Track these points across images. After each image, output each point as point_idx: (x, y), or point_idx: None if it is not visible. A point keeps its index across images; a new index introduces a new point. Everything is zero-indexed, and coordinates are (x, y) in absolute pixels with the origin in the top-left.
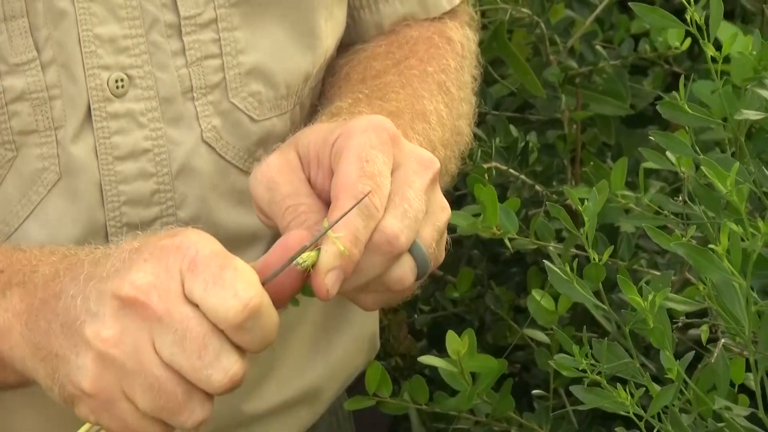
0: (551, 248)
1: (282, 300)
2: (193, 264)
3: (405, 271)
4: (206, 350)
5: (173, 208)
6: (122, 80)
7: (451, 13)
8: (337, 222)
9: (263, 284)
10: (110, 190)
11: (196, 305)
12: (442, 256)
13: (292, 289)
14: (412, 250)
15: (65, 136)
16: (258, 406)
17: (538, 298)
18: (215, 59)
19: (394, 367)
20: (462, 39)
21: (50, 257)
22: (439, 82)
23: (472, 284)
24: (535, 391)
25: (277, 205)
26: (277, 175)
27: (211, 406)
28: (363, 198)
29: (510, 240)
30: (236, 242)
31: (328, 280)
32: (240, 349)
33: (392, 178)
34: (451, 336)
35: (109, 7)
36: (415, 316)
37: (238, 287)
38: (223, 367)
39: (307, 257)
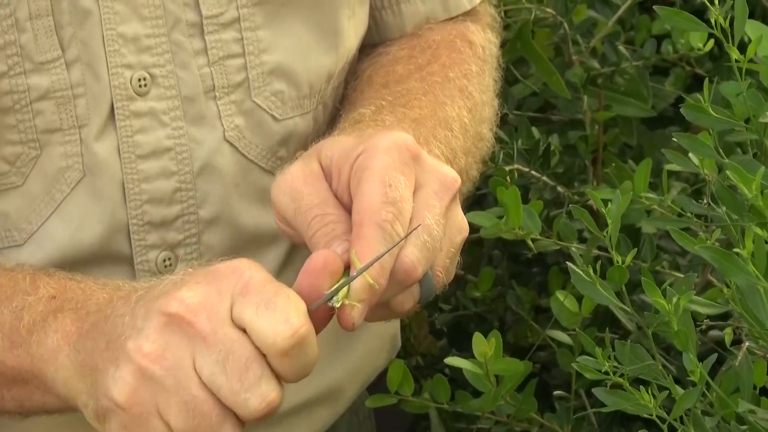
0: (573, 249)
1: (316, 330)
2: (246, 288)
3: (407, 298)
4: (247, 374)
5: (195, 207)
6: (145, 79)
7: (473, 16)
8: (369, 263)
9: None
10: (133, 188)
11: (242, 330)
12: (451, 278)
13: (324, 322)
14: (421, 279)
15: (89, 135)
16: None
17: (562, 299)
18: (238, 58)
19: (415, 366)
20: (484, 42)
21: (104, 288)
22: (461, 87)
23: (493, 284)
24: (556, 392)
25: (303, 216)
26: (302, 185)
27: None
28: (397, 243)
29: (533, 241)
30: (257, 242)
31: (355, 313)
32: (278, 378)
33: (413, 199)
34: (477, 338)
35: (132, 6)
36: (436, 315)
37: (290, 313)
38: (262, 392)
39: (340, 294)
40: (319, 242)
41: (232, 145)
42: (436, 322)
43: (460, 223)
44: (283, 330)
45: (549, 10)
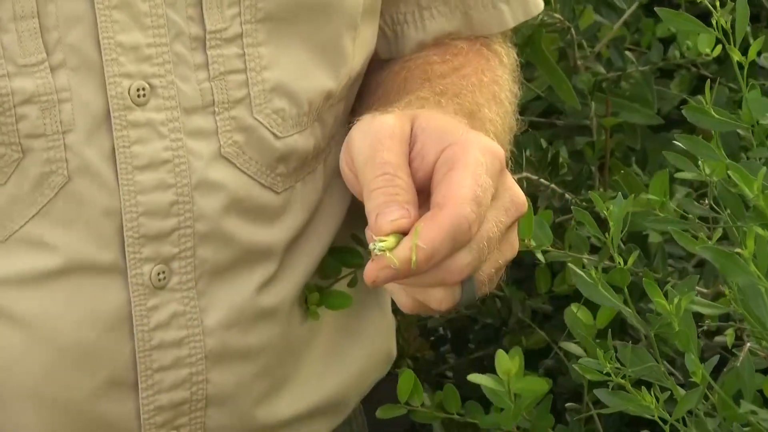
0: (585, 261)
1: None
2: None
3: (447, 296)
4: None
5: (191, 220)
6: (144, 89)
7: None
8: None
9: None
10: (129, 199)
11: None
12: (492, 287)
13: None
14: (464, 282)
15: (76, 141)
16: (271, 417)
17: (575, 311)
18: (239, 74)
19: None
20: (507, 52)
21: None
22: (494, 93)
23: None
24: (568, 404)
25: (374, 168)
26: (387, 138)
27: None
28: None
29: (543, 252)
30: (249, 257)
31: (381, 273)
32: None
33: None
34: (500, 355)
35: (133, 15)
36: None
37: None
38: None
39: (385, 243)
40: (378, 199)
41: (228, 160)
42: (428, 324)
43: (514, 242)
44: None
45: (557, 15)
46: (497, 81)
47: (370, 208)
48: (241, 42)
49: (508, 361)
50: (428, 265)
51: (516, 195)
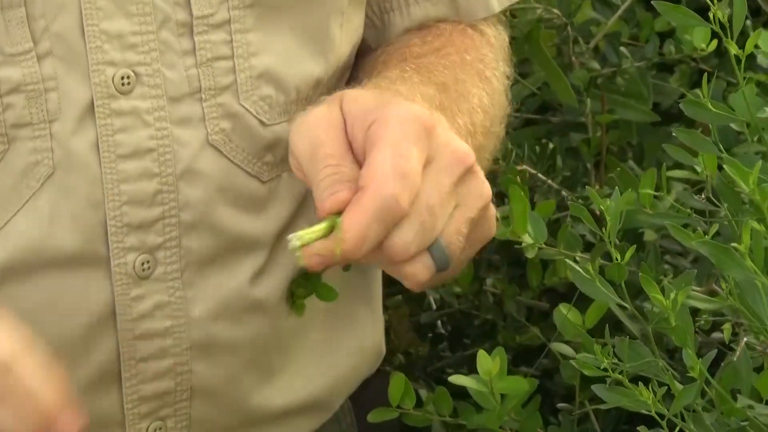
0: (578, 258)
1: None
2: None
3: (418, 269)
4: None
5: (176, 210)
6: (128, 77)
7: None
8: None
9: None
10: (112, 188)
11: None
12: (491, 233)
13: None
14: (431, 248)
15: (62, 130)
16: (258, 410)
17: (565, 312)
18: (226, 61)
19: (398, 365)
20: (495, 33)
21: None
22: (479, 70)
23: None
24: (560, 405)
25: (318, 163)
26: (322, 133)
27: None
28: None
29: (538, 249)
30: (237, 247)
31: (312, 261)
32: None
33: (423, 174)
34: (482, 356)
35: (118, 3)
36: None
37: None
38: None
39: (305, 234)
40: (325, 186)
41: (215, 148)
42: (422, 318)
43: (480, 189)
44: None
45: (555, 10)
46: (482, 60)
47: (316, 196)
48: (229, 28)
49: (489, 362)
50: (362, 251)
51: (455, 149)
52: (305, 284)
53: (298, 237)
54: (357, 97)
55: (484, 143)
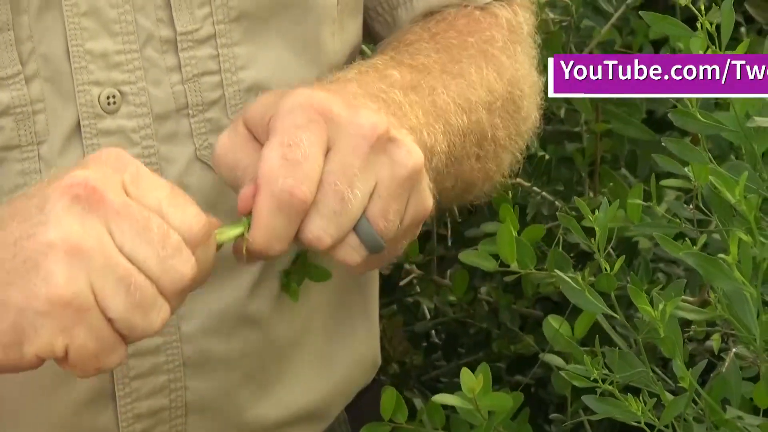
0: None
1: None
2: (137, 177)
3: (346, 252)
4: (169, 241)
5: None
6: (114, 96)
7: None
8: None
9: None
10: None
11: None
12: (426, 204)
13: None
14: (358, 230)
15: (49, 151)
16: (254, 424)
17: (555, 325)
18: (213, 76)
19: (393, 374)
20: (510, 16)
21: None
22: (483, 50)
23: (472, 290)
24: (552, 415)
25: (243, 179)
26: (234, 155)
27: (170, 308)
28: None
29: (525, 272)
30: (227, 263)
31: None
32: None
33: (327, 160)
34: (465, 373)
35: (102, 22)
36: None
37: (197, 208)
38: (186, 258)
39: (221, 232)
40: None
41: (205, 163)
42: (416, 327)
43: (401, 158)
44: (198, 218)
45: (558, 17)
46: (489, 41)
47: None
48: (214, 42)
49: (472, 378)
50: (276, 247)
51: (358, 125)
52: (296, 269)
53: (219, 232)
54: (257, 101)
55: (491, 122)
